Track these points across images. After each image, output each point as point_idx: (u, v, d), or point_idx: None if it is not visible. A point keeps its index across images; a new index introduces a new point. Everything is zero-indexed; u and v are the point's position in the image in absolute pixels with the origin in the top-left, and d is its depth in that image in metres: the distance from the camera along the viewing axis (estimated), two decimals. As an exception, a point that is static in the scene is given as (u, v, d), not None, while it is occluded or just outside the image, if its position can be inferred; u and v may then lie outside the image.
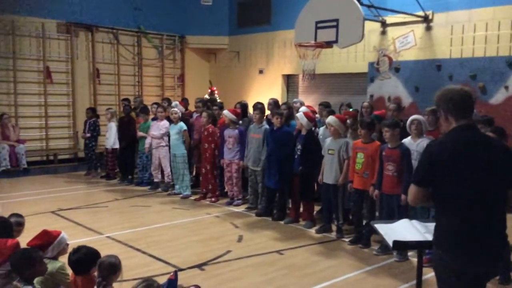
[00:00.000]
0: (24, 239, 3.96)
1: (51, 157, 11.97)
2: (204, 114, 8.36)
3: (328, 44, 8.39)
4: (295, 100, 9.67)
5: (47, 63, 11.67)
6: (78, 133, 12.11)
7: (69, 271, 3.77)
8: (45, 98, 11.72)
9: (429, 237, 3.30)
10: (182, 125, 8.63)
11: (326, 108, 7.94)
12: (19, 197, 8.40)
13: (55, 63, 11.87)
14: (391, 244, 3.27)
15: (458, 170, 2.74)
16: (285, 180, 7.14)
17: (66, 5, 11.85)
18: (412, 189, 2.90)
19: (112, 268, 3.36)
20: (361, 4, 8.06)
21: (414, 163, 5.63)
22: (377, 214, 6.24)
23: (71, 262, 3.59)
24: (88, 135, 10.41)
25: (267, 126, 7.56)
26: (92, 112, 10.70)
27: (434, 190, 2.84)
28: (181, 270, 5.11)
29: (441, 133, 5.85)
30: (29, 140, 11.35)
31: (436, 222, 2.91)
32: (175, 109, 8.80)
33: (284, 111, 7.83)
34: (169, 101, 10.39)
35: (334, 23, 8.19)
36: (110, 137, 10.00)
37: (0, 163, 10.46)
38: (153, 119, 9.34)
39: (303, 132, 6.88)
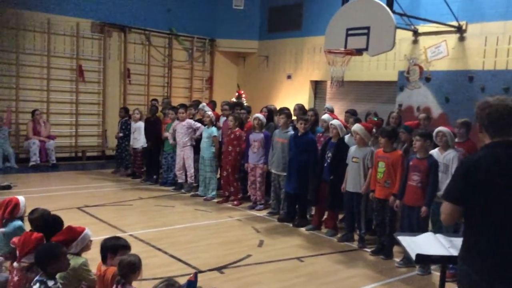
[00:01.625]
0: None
1: (80, 154, 12.21)
2: (231, 117, 8.41)
3: (358, 52, 8.30)
4: (326, 106, 9.62)
5: (80, 62, 11.93)
6: (107, 131, 12.33)
7: (93, 268, 3.84)
8: (76, 96, 11.97)
9: (454, 252, 3.24)
10: (213, 130, 8.67)
11: (353, 115, 7.87)
12: (46, 192, 8.59)
13: (87, 62, 12.12)
14: (414, 257, 3.22)
15: (494, 188, 2.66)
16: (304, 186, 7.12)
17: (101, 5, 12.10)
18: (448, 207, 2.80)
19: (132, 267, 3.40)
20: (393, 12, 7.96)
21: (441, 175, 5.54)
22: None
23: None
24: (121, 134, 10.58)
25: (292, 132, 7.54)
26: (125, 111, 10.86)
27: (467, 207, 2.76)
28: (201, 272, 5.14)
29: (472, 146, 5.78)
30: (59, 136, 11.61)
31: (465, 237, 2.84)
32: (209, 112, 8.85)
33: (311, 117, 7.82)
34: (198, 103, 10.50)
35: (365, 31, 8.10)
36: (140, 137, 10.14)
37: (30, 158, 10.74)
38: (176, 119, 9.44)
39: (334, 140, 6.82)
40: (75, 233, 3.87)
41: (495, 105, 2.71)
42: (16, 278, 3.71)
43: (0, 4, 10.60)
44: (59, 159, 11.35)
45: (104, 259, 3.70)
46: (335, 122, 6.94)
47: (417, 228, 5.36)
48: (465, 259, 2.80)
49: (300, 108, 8.56)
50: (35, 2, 11.14)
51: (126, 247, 3.70)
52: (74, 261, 3.68)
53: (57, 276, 3.41)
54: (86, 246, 3.93)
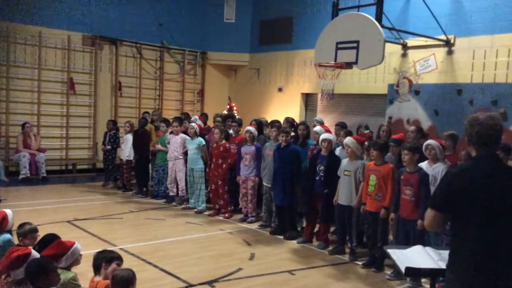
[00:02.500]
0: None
1: (70, 167, 12.15)
2: (216, 130, 8.44)
3: (348, 65, 8.39)
4: (316, 118, 9.67)
5: (71, 75, 11.91)
6: (98, 144, 12.29)
7: (82, 282, 3.82)
8: (67, 108, 11.94)
9: (443, 264, 3.26)
10: (201, 140, 8.71)
11: (343, 128, 7.92)
12: (36, 206, 8.52)
13: (79, 75, 12.10)
14: (403, 270, 3.24)
15: (477, 199, 2.73)
16: (290, 197, 7.14)
17: (92, 19, 12.12)
18: (430, 213, 2.89)
19: (125, 282, 3.36)
20: (382, 26, 8.06)
21: (431, 188, 5.58)
22: (391, 237, 6.19)
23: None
24: (109, 147, 10.55)
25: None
26: (113, 124, 10.85)
27: (451, 216, 2.84)
28: (191, 286, 5.12)
29: (459, 158, 5.84)
30: (49, 149, 11.54)
31: (451, 248, 2.90)
32: (193, 124, 8.88)
33: (303, 131, 7.85)
34: (187, 116, 10.51)
35: (355, 45, 8.18)
36: (126, 149, 10.14)
37: (20, 171, 10.66)
38: (170, 133, 9.45)
39: (325, 153, 6.85)
40: (64, 248, 3.85)
41: (485, 124, 2.81)
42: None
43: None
44: (49, 172, 11.27)
45: (97, 270, 3.67)
46: (327, 136, 6.95)
47: (413, 241, 5.37)
48: (451, 270, 2.85)
49: (287, 121, 8.61)
50: (27, 15, 11.15)
51: (120, 258, 3.72)
52: (63, 276, 3.65)
53: (47, 291, 3.39)
54: (76, 261, 3.90)
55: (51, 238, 4.08)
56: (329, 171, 6.71)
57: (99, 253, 3.74)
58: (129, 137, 10.15)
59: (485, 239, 2.72)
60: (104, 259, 3.64)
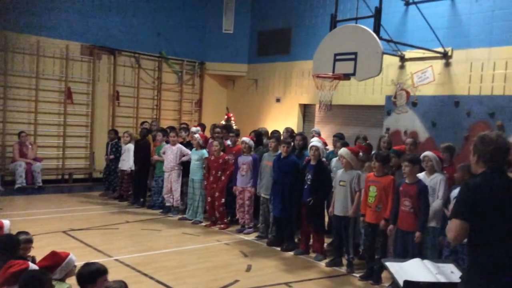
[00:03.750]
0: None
1: (66, 176, 12.09)
2: (216, 142, 8.41)
3: (346, 77, 8.40)
4: (313, 129, 9.67)
5: (69, 84, 11.91)
6: (95, 154, 12.25)
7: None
8: (64, 118, 11.91)
9: (441, 278, 3.25)
10: (204, 152, 8.68)
11: (341, 139, 7.92)
12: (32, 215, 8.46)
13: (76, 84, 12.10)
14: (401, 284, 3.22)
15: (497, 208, 2.87)
16: (290, 208, 7.09)
17: (91, 28, 12.15)
18: (456, 224, 2.93)
19: (119, 295, 3.33)
20: (380, 38, 8.09)
21: (429, 199, 5.57)
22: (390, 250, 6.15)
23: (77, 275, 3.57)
24: (112, 156, 10.49)
25: (281, 155, 7.55)
26: (115, 134, 10.81)
27: (473, 226, 2.91)
28: (187, 298, 5.06)
29: (455, 171, 5.84)
30: (45, 158, 11.50)
31: (470, 259, 2.99)
32: (197, 135, 8.86)
33: (299, 141, 7.84)
34: (186, 126, 10.49)
35: (353, 56, 8.21)
36: (129, 159, 10.08)
37: (16, 180, 10.60)
38: (167, 142, 9.43)
39: (313, 162, 6.84)
40: (59, 258, 3.80)
41: (499, 143, 3.02)
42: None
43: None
44: (46, 181, 11.22)
45: None
46: (315, 143, 6.92)
47: (412, 253, 5.34)
48: (470, 281, 2.92)
49: (287, 131, 8.59)
50: (25, 24, 11.17)
51: (103, 271, 3.55)
52: (58, 287, 3.60)
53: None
54: (71, 272, 3.85)
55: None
56: (315, 180, 6.70)
57: (80, 271, 3.54)
58: (130, 147, 10.11)
59: (506, 246, 2.86)
60: (88, 280, 3.46)
